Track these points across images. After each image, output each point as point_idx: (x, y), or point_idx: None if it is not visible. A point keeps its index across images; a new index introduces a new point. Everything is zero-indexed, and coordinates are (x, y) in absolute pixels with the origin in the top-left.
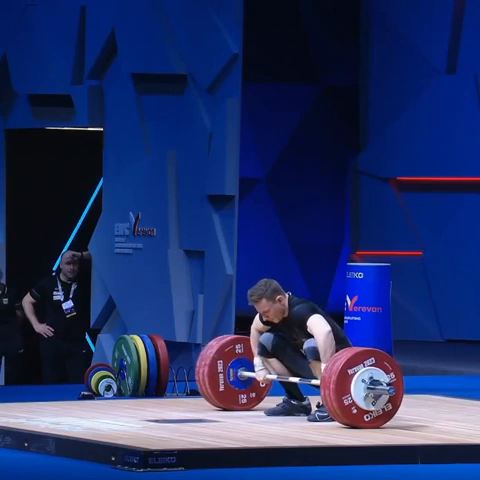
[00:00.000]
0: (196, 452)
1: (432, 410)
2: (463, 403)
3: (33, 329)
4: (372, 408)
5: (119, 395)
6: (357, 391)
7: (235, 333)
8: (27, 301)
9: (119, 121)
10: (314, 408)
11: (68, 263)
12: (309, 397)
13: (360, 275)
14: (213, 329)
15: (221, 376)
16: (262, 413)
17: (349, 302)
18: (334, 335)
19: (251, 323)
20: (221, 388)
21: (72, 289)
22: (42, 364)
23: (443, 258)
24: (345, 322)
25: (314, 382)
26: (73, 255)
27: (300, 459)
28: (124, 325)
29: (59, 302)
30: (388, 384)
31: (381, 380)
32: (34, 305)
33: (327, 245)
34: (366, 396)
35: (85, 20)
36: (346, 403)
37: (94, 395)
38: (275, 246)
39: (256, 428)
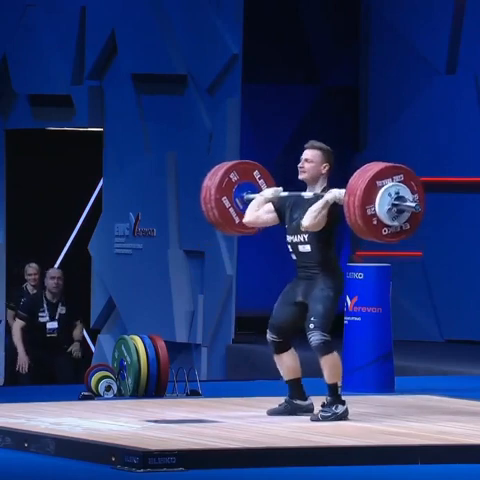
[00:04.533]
0: (196, 452)
1: (432, 410)
2: (463, 403)
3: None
4: (392, 223)
5: (119, 395)
6: (381, 203)
7: (235, 333)
8: (18, 327)
9: (119, 121)
10: (317, 408)
11: (52, 278)
12: (311, 397)
13: (360, 275)
14: (213, 329)
15: (231, 210)
16: (262, 413)
17: (349, 302)
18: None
19: (251, 323)
20: (237, 220)
21: (58, 311)
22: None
23: (443, 258)
24: (345, 322)
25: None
26: (56, 271)
27: (300, 459)
28: (124, 325)
29: (44, 324)
30: (414, 201)
31: (406, 197)
32: (23, 329)
33: None
34: (389, 210)
35: (85, 20)
36: (368, 213)
37: (94, 395)
38: (275, 246)
39: (256, 428)
